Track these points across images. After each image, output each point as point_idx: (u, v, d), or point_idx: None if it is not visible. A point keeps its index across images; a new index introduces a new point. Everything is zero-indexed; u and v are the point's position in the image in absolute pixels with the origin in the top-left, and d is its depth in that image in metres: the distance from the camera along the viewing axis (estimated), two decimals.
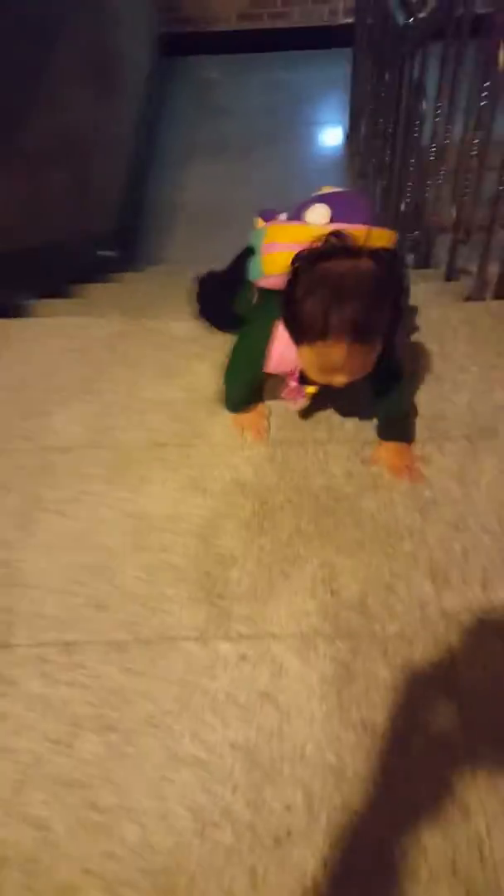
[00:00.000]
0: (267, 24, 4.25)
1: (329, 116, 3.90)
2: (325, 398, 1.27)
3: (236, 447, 1.26)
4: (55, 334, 1.52)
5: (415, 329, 1.45)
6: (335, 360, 0.97)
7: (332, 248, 0.95)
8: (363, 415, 1.28)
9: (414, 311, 1.48)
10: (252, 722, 0.94)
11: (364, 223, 0.99)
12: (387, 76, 2.48)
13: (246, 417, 1.29)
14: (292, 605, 1.05)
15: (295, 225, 1.04)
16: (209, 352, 1.42)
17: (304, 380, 1.12)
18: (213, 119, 3.97)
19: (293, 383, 1.15)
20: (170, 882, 0.83)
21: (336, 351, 0.95)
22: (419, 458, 1.22)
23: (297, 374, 1.13)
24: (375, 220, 1.03)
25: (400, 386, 1.20)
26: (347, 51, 3.36)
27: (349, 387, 1.04)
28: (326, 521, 1.15)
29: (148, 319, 1.51)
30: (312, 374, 1.04)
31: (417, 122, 2.22)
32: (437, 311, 1.46)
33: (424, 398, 1.32)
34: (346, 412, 1.30)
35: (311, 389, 1.15)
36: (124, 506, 1.19)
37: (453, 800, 0.87)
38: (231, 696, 0.97)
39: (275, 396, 1.28)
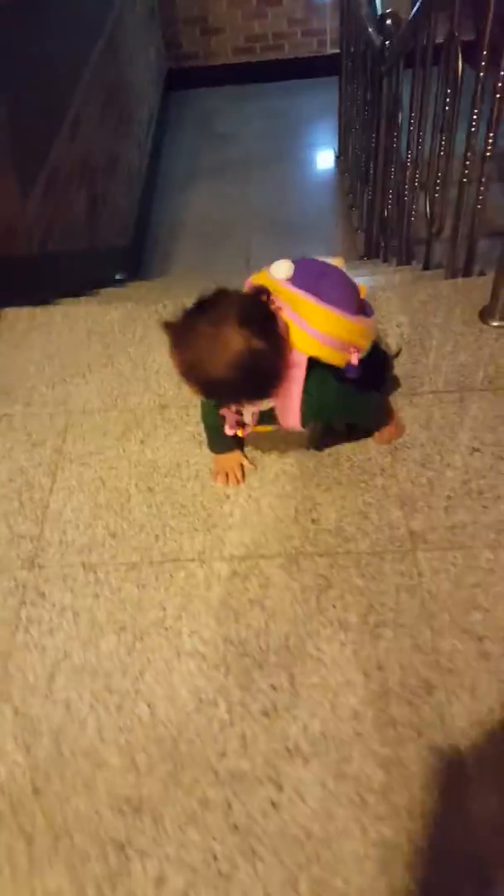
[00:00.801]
0: (260, 56, 4.39)
1: (320, 139, 4.02)
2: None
3: None
4: (76, 318, 1.64)
5: (393, 309, 1.55)
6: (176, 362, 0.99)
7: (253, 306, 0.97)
8: None
9: (393, 295, 1.58)
10: (242, 622, 1.04)
11: (339, 301, 1.00)
12: (368, 96, 2.60)
13: (224, 463, 1.24)
14: (277, 531, 1.15)
15: (258, 272, 1.07)
16: None
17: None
18: (214, 145, 4.11)
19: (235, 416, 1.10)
20: (174, 748, 0.93)
21: (174, 356, 0.99)
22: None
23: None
24: (358, 307, 1.04)
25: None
26: (335, 78, 3.49)
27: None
28: (308, 463, 1.25)
29: (151, 304, 1.63)
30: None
31: (396, 136, 2.34)
32: (412, 291, 1.57)
33: (399, 360, 1.41)
34: None
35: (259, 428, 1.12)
36: (136, 456, 1.30)
37: (418, 678, 0.96)
38: (224, 602, 1.06)
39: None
